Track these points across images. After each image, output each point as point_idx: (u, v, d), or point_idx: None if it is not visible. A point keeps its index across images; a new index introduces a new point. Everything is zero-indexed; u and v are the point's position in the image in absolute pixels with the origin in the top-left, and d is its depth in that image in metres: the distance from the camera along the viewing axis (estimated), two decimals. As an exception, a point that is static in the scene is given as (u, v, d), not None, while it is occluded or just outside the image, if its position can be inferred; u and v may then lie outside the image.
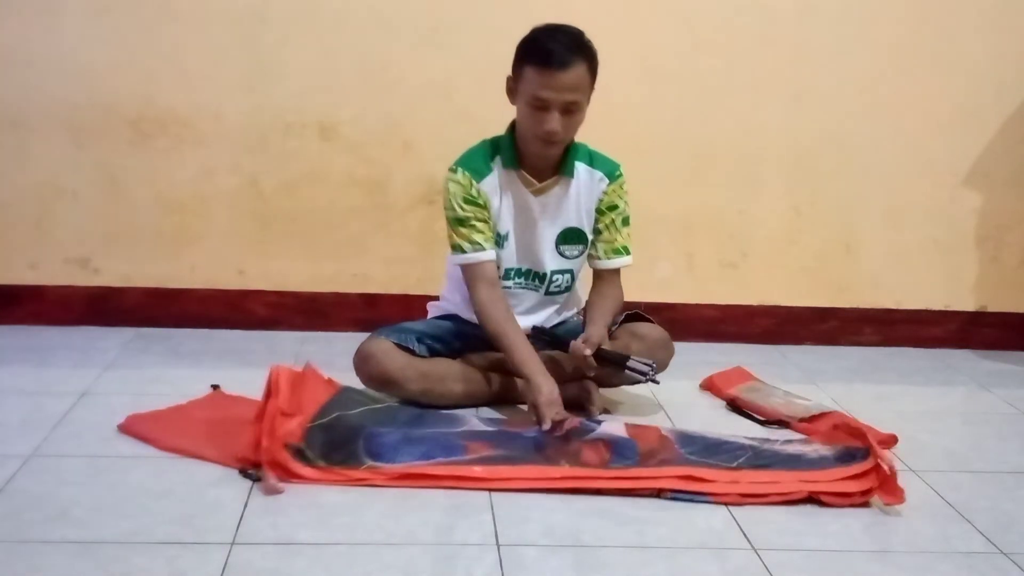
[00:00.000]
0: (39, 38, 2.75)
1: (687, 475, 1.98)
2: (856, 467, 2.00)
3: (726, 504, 1.94)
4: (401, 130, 2.87)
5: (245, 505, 1.83)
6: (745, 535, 1.82)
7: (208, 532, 1.73)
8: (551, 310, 2.50)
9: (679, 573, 1.69)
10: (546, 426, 2.15)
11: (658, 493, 1.96)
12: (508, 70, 2.29)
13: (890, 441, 2.27)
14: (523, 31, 2.28)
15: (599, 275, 2.47)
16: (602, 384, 2.40)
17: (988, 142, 3.03)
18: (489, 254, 2.34)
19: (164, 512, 1.79)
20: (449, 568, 1.67)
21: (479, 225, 2.33)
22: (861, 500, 1.96)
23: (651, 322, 2.47)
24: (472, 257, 2.32)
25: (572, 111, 2.25)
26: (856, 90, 2.97)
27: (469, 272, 2.34)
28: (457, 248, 2.34)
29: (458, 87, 2.82)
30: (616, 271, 2.47)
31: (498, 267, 2.40)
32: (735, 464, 2.05)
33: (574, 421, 2.17)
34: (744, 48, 2.92)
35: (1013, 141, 3.03)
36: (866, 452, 2.02)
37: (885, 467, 1.96)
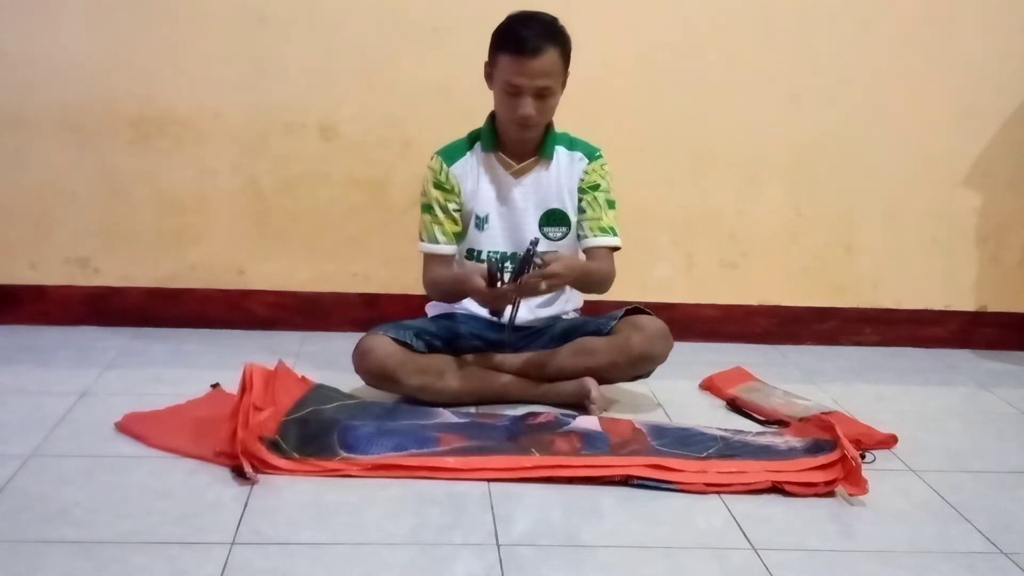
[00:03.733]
0: (39, 38, 2.75)
1: (655, 464, 2.02)
2: (823, 458, 2.04)
3: (692, 493, 1.97)
4: (401, 130, 2.87)
5: (245, 505, 1.83)
6: (745, 535, 1.82)
7: (208, 532, 1.73)
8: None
9: (679, 573, 1.69)
10: (485, 287, 2.21)
11: (626, 480, 1.99)
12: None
13: (890, 441, 2.27)
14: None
15: (589, 254, 2.47)
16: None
17: (988, 142, 3.03)
18: (444, 248, 2.43)
19: (164, 512, 1.79)
20: (449, 568, 1.67)
21: (441, 216, 2.42)
22: (826, 490, 1.99)
23: (650, 315, 2.47)
24: (428, 247, 2.45)
25: (545, 96, 2.32)
26: (856, 90, 2.97)
27: (425, 259, 2.47)
28: (420, 235, 2.47)
29: (458, 87, 2.81)
30: (607, 250, 2.45)
31: (480, 251, 2.45)
32: (704, 455, 2.09)
33: (550, 415, 2.25)
34: (744, 48, 2.92)
35: (1013, 141, 3.03)
36: (834, 444, 2.07)
37: (851, 459, 1.99)
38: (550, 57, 2.28)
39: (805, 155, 3.00)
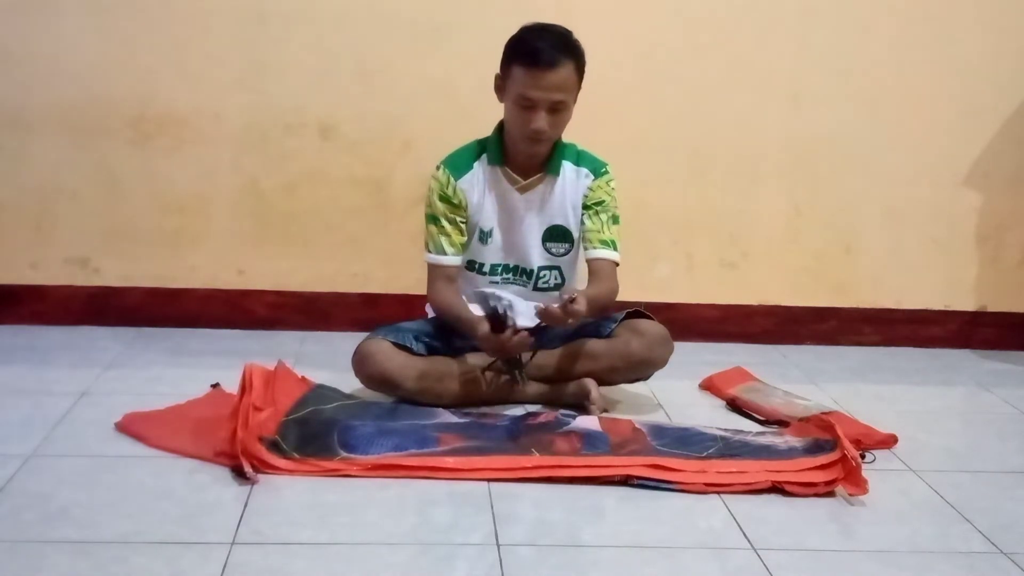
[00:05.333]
0: (39, 38, 2.75)
1: (655, 464, 2.02)
2: (823, 458, 2.04)
3: (692, 492, 1.97)
4: (401, 130, 2.87)
5: (245, 505, 1.83)
6: (745, 535, 1.82)
7: (208, 532, 1.73)
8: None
9: (679, 573, 1.69)
10: (488, 333, 2.22)
11: (625, 480, 1.99)
12: (506, 70, 2.30)
13: (890, 441, 2.27)
14: (523, 31, 2.28)
15: (591, 267, 2.46)
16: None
17: (988, 142, 3.03)
18: (452, 259, 2.40)
19: (164, 512, 1.79)
20: (449, 568, 1.67)
21: (448, 227, 2.39)
22: (826, 490, 1.99)
23: (651, 319, 2.47)
24: (435, 258, 2.41)
25: (559, 110, 2.29)
26: (856, 90, 2.97)
27: (431, 270, 2.43)
28: (426, 245, 2.44)
29: (458, 87, 2.82)
30: (608, 263, 2.44)
31: (482, 263, 2.44)
32: (704, 454, 2.09)
33: (550, 415, 2.25)
34: (744, 48, 2.92)
35: (1013, 141, 3.03)
36: (834, 444, 2.07)
37: (851, 459, 1.99)
38: (566, 71, 2.25)
39: (805, 155, 3.00)
